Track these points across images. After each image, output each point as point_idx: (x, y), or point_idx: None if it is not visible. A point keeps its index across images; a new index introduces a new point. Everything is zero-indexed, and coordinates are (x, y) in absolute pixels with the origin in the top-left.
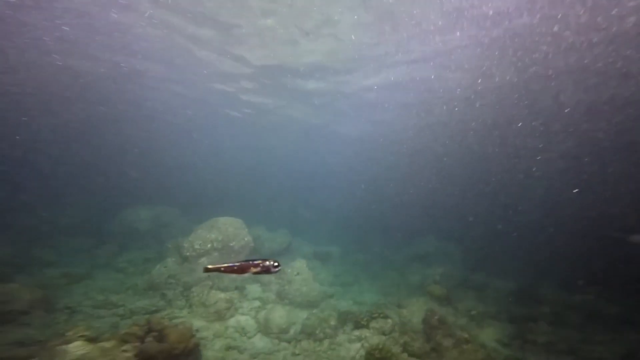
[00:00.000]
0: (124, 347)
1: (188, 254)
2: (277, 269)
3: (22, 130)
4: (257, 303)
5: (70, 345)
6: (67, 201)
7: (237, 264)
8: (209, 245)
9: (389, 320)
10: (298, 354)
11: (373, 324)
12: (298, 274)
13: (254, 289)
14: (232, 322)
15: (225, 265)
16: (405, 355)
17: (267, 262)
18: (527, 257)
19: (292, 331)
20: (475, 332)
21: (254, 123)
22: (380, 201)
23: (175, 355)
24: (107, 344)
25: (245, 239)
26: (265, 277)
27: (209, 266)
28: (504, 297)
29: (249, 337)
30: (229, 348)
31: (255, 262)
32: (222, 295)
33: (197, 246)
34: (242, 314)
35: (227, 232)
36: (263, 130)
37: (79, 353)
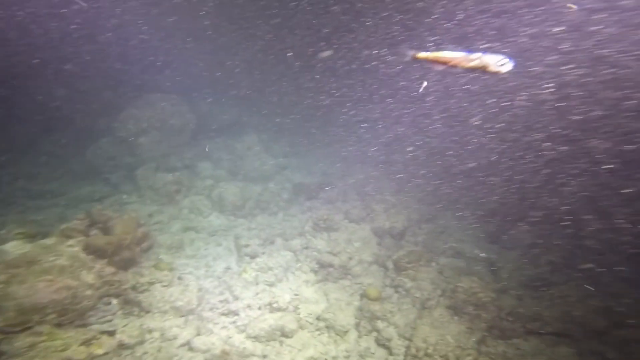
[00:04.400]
0: (69, 242)
1: (123, 134)
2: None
3: None
4: (209, 182)
5: (7, 245)
6: None
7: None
8: (145, 125)
9: (336, 189)
10: (254, 228)
11: (322, 194)
12: (249, 148)
13: (205, 167)
14: (185, 203)
15: (441, 54)
16: (346, 222)
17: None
18: None
19: (247, 206)
20: None
21: None
22: None
23: (127, 245)
24: (47, 241)
25: (187, 116)
26: (215, 154)
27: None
28: None
29: (205, 217)
30: (186, 229)
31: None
32: (169, 177)
33: (130, 126)
34: (196, 194)
35: (163, 109)
36: None
37: (17, 253)
